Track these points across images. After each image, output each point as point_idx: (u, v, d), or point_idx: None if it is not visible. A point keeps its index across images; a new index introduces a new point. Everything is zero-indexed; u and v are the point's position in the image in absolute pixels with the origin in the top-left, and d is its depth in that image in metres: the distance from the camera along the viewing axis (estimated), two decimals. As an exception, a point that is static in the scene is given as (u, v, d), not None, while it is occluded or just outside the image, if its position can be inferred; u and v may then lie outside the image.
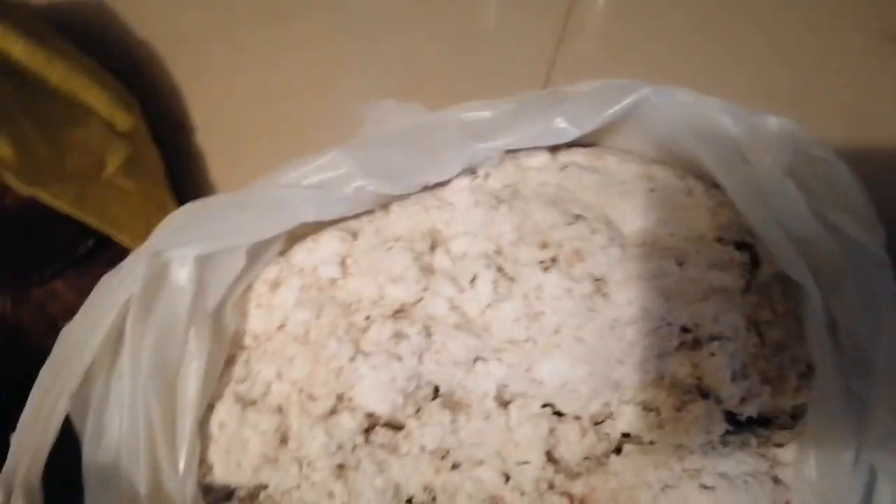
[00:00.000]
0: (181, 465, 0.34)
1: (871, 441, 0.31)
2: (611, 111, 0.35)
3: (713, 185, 0.37)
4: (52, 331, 0.44)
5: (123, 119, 0.46)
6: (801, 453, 0.32)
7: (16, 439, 0.32)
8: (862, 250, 0.31)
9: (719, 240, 0.35)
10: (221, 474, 0.37)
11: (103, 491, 0.33)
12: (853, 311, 0.32)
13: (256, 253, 0.38)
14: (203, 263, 0.35)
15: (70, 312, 0.43)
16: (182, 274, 0.35)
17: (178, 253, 0.35)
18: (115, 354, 0.34)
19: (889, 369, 0.30)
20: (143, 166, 0.48)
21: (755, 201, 0.32)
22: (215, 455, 0.37)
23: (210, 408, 0.37)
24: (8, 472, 0.32)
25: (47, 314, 0.46)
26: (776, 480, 0.32)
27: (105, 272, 0.40)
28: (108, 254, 0.47)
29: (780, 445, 0.33)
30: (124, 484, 0.33)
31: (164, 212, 0.43)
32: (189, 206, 0.38)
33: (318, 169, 0.36)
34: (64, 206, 0.40)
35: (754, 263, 0.35)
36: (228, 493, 0.37)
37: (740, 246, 0.35)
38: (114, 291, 0.34)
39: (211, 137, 0.55)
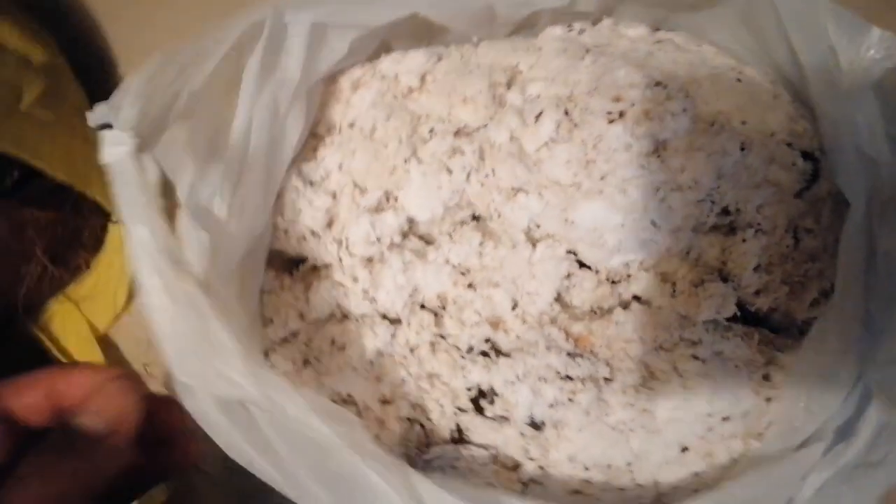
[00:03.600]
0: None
1: (876, 364, 0.31)
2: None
3: (803, 99, 0.37)
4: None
5: (39, 53, 0.47)
6: (800, 360, 0.33)
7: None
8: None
9: (789, 144, 0.35)
10: (272, 240, 0.39)
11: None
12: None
13: (355, 49, 0.40)
14: (315, 37, 0.37)
15: (4, 246, 0.45)
16: (298, 40, 0.36)
17: (296, 16, 0.36)
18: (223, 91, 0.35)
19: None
20: (62, 98, 0.48)
21: (834, 107, 0.32)
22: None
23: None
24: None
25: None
26: (766, 377, 0.33)
27: (34, 203, 0.45)
28: (39, 185, 0.47)
29: (781, 350, 0.34)
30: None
31: (87, 142, 0.43)
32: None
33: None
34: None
35: (815, 178, 0.35)
36: (274, 257, 0.40)
37: (807, 157, 0.35)
38: (224, 36, 0.34)
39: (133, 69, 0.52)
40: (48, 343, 0.53)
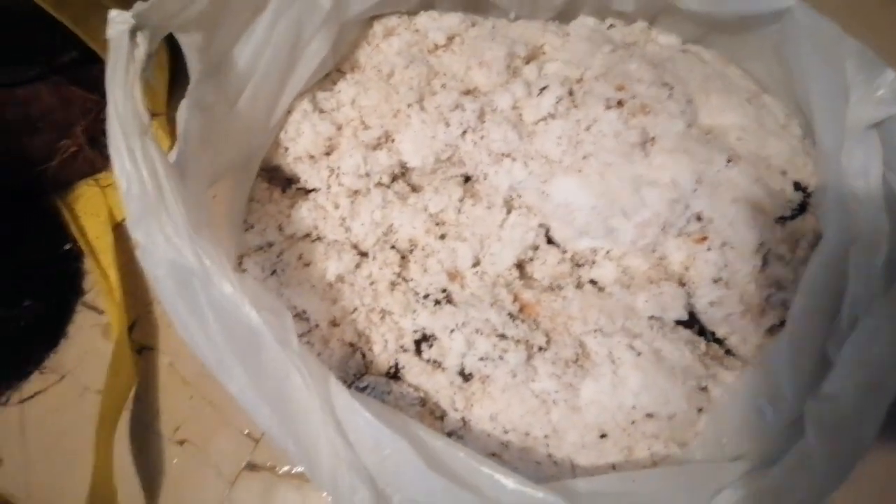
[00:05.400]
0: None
1: (816, 399, 0.30)
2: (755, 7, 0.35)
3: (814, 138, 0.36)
4: (32, 130, 0.50)
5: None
6: (742, 380, 0.32)
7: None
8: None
9: (783, 172, 0.34)
10: (270, 153, 0.42)
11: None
12: (870, 280, 0.30)
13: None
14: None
15: (50, 116, 0.48)
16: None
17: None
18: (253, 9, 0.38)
19: (870, 338, 0.29)
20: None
21: (833, 141, 0.32)
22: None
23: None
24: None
25: (29, 115, 0.50)
26: (704, 388, 0.33)
27: (85, 84, 0.46)
28: (93, 70, 0.48)
29: (727, 368, 0.33)
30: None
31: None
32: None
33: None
34: (45, 3, 0.42)
35: (803, 210, 0.34)
36: (270, 171, 0.42)
37: (800, 189, 0.34)
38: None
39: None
40: (68, 218, 0.56)
